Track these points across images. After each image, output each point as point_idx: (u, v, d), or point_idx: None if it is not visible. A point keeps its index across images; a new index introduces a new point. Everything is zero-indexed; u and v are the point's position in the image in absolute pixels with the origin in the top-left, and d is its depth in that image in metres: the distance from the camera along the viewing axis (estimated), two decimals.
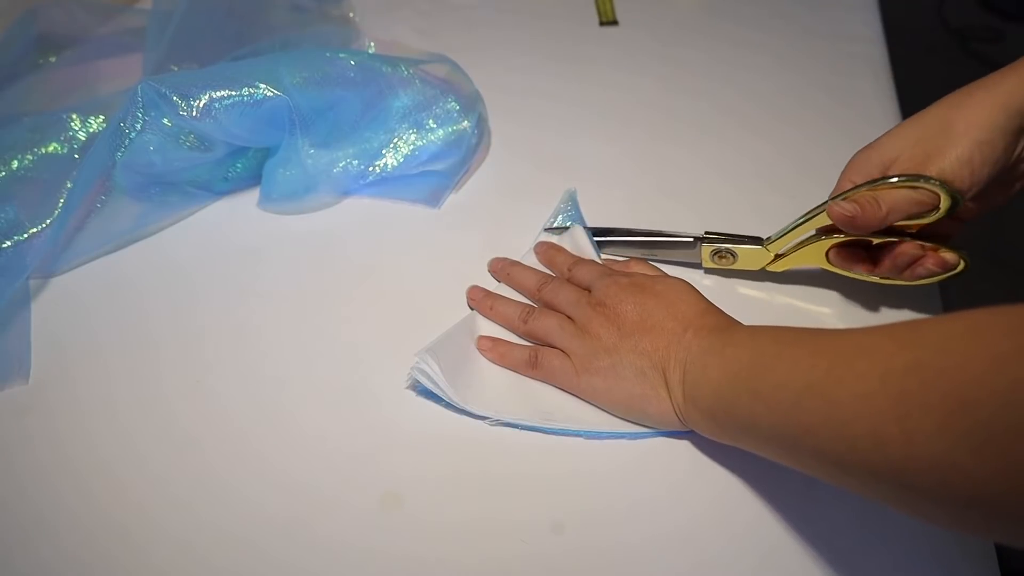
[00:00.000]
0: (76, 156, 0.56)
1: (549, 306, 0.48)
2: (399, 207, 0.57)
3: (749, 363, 0.37)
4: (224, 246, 0.55)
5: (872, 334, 0.32)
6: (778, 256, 0.50)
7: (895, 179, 0.43)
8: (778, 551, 0.39)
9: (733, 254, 0.51)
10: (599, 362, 0.43)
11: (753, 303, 0.51)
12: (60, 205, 0.53)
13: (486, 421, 0.44)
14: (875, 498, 0.31)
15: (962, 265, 0.45)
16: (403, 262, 0.54)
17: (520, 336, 0.48)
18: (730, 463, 0.42)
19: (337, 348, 0.48)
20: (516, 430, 0.44)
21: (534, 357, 0.45)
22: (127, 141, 0.52)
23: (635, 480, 0.42)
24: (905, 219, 0.44)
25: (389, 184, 0.58)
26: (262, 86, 0.52)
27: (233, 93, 0.52)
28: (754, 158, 0.61)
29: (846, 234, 0.47)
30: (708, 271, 0.52)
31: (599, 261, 0.52)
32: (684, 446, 0.43)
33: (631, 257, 0.53)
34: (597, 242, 0.53)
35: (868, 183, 0.44)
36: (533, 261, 0.53)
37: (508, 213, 0.57)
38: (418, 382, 0.44)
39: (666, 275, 0.47)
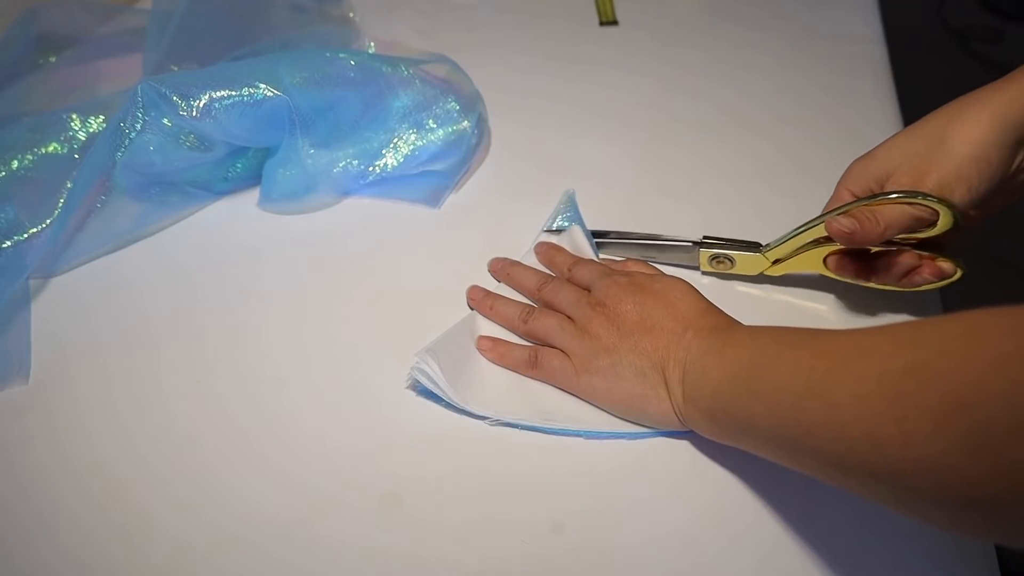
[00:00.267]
0: (76, 156, 0.56)
1: (549, 306, 0.48)
2: (399, 207, 0.57)
3: (749, 364, 0.37)
4: (224, 246, 0.55)
5: (872, 335, 0.32)
6: (776, 262, 0.50)
7: (894, 195, 0.43)
8: (778, 551, 0.39)
9: (731, 260, 0.51)
10: (599, 362, 0.43)
11: (751, 300, 0.51)
12: (60, 205, 0.53)
13: (486, 421, 0.44)
14: (874, 499, 0.31)
15: (958, 273, 0.45)
16: (403, 262, 0.54)
17: (520, 336, 0.48)
18: (730, 463, 0.42)
19: (337, 348, 0.48)
20: (516, 430, 0.44)
21: (534, 357, 0.46)
22: (127, 141, 0.52)
23: (635, 480, 0.42)
24: (903, 234, 0.44)
25: (389, 184, 0.58)
26: (262, 86, 0.52)
27: (233, 93, 0.52)
28: (754, 158, 0.61)
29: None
30: (706, 274, 0.52)
31: (598, 261, 0.52)
32: (684, 446, 0.43)
33: (629, 257, 0.53)
34: (595, 244, 0.53)
35: (867, 198, 0.44)
36: (533, 261, 0.53)
37: (508, 213, 0.57)
38: (418, 382, 0.44)
39: (665, 274, 0.47)
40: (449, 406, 0.44)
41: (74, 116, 0.57)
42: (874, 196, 0.44)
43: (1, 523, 0.40)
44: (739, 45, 0.72)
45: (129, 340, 0.49)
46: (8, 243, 0.52)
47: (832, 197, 0.47)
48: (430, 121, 0.58)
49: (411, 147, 0.57)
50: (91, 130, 0.57)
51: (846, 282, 0.48)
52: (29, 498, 0.41)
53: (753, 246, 0.50)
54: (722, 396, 0.38)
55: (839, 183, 0.47)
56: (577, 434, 0.43)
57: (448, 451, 0.43)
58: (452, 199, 0.58)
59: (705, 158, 0.61)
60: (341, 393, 0.46)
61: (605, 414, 0.44)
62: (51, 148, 0.56)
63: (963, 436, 0.25)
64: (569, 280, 0.49)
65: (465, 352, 0.47)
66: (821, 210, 0.47)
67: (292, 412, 0.45)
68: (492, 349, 0.47)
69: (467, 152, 0.59)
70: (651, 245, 0.53)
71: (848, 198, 0.46)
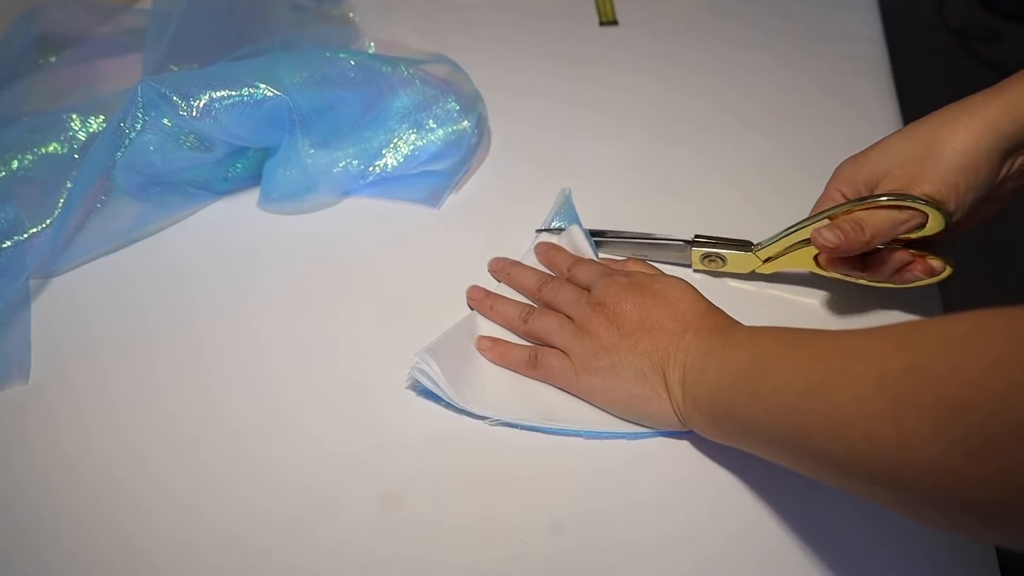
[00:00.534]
0: (76, 156, 0.56)
1: (549, 306, 0.48)
2: (399, 207, 0.57)
3: (748, 365, 0.37)
4: (224, 246, 0.55)
5: (871, 336, 0.32)
6: (767, 260, 0.50)
7: (884, 198, 0.44)
8: (778, 552, 0.39)
9: (722, 258, 0.51)
10: (599, 362, 0.43)
11: (744, 295, 0.51)
12: (60, 205, 0.53)
13: (486, 421, 0.44)
14: (874, 500, 0.31)
15: (948, 271, 0.46)
16: (403, 262, 0.54)
17: (520, 336, 0.48)
18: (730, 464, 0.42)
19: (337, 348, 0.48)
20: (516, 430, 0.44)
21: (534, 357, 0.46)
22: (127, 141, 0.52)
23: (635, 480, 0.42)
24: (890, 239, 0.45)
25: (389, 184, 0.58)
26: (262, 86, 0.52)
27: (233, 93, 0.52)
28: (754, 158, 0.61)
29: None
30: (698, 271, 0.53)
31: (598, 261, 0.52)
32: (684, 446, 0.43)
33: (628, 256, 0.53)
34: (594, 243, 0.53)
35: (856, 200, 0.45)
36: (533, 261, 0.53)
37: (508, 213, 0.57)
38: (418, 382, 0.44)
39: (665, 274, 0.47)
40: (449, 406, 0.44)
41: (74, 116, 0.57)
42: (863, 199, 0.44)
43: (1, 523, 0.40)
44: (739, 45, 0.72)
45: (129, 340, 0.49)
46: (8, 243, 0.52)
47: (822, 196, 0.48)
48: (430, 121, 0.58)
49: (411, 147, 0.57)
50: (91, 130, 0.57)
51: (837, 279, 0.49)
52: (29, 498, 0.41)
53: (744, 245, 0.50)
54: (722, 397, 0.38)
55: (829, 182, 0.47)
56: (577, 434, 0.43)
57: (448, 451, 0.43)
58: (452, 199, 0.58)
59: (705, 158, 0.61)
60: (341, 393, 0.46)
61: (605, 414, 0.44)
62: (51, 148, 0.56)
63: (961, 438, 0.25)
64: (569, 280, 0.49)
65: (465, 352, 0.47)
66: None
67: (292, 412, 0.45)
68: (492, 349, 0.47)
69: (467, 152, 0.59)
70: (644, 244, 0.53)
71: (838, 199, 0.46)
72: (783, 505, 0.40)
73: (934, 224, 0.43)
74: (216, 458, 0.43)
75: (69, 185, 0.54)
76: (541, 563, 0.39)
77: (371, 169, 0.57)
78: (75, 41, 0.67)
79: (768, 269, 0.50)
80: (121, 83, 0.61)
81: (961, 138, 0.42)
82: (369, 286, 0.52)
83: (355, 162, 0.57)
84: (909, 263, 0.46)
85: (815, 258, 0.48)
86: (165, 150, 0.53)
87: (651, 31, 0.74)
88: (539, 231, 0.55)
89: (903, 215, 0.43)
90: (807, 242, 0.48)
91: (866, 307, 0.50)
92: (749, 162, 0.60)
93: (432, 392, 0.44)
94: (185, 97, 0.51)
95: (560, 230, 0.54)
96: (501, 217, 0.57)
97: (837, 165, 0.47)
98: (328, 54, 0.57)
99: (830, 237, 0.44)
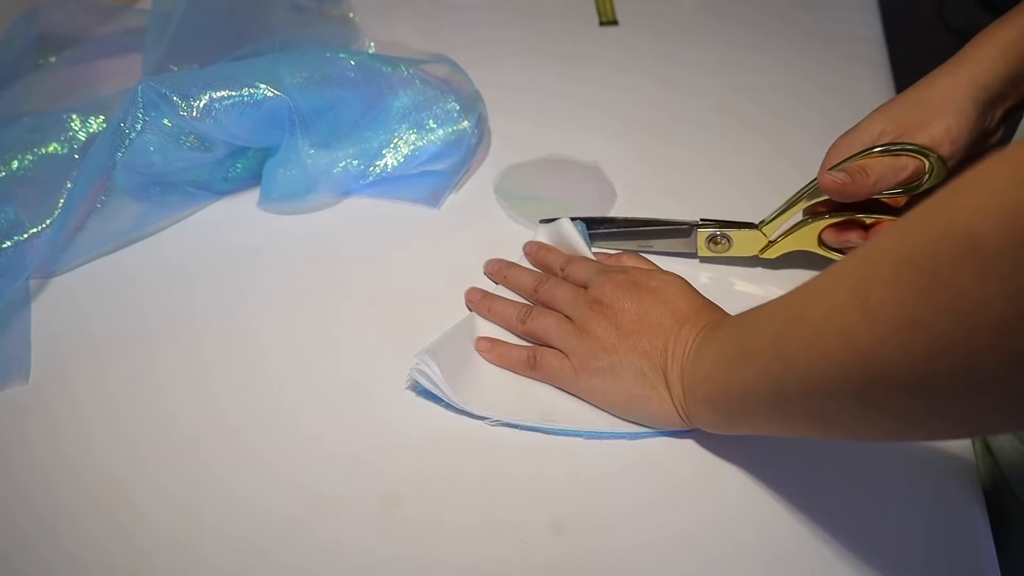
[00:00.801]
0: (76, 156, 0.56)
1: (547, 306, 0.48)
2: (399, 207, 0.57)
3: (737, 334, 0.38)
4: (224, 246, 0.55)
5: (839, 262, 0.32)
6: (771, 242, 0.51)
7: (879, 148, 0.46)
8: (780, 554, 0.39)
9: (728, 239, 0.51)
10: (598, 362, 0.43)
11: (751, 300, 0.51)
12: (60, 205, 0.53)
13: (486, 421, 0.44)
14: (853, 417, 0.31)
15: None
16: (403, 262, 0.54)
17: (519, 336, 0.48)
18: (731, 465, 0.42)
19: (337, 348, 0.48)
20: (516, 430, 0.44)
21: (533, 357, 0.45)
22: (127, 141, 0.52)
23: (635, 481, 0.42)
24: (894, 187, 0.46)
25: (389, 184, 0.58)
26: (262, 86, 0.52)
27: (233, 93, 0.52)
28: (754, 158, 0.61)
29: (835, 214, 0.48)
30: (704, 259, 0.53)
31: (589, 253, 0.51)
32: (684, 447, 0.43)
33: (623, 251, 0.53)
34: (593, 233, 0.53)
35: (854, 155, 0.47)
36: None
37: None
38: (418, 383, 0.44)
39: (661, 270, 0.47)
40: (449, 407, 0.44)
41: (74, 116, 0.57)
42: (860, 152, 0.47)
43: (1, 523, 0.40)
44: (739, 45, 0.72)
45: (129, 340, 0.49)
46: (8, 243, 0.52)
47: (819, 172, 0.49)
48: (430, 121, 0.58)
49: (411, 147, 0.57)
50: (91, 130, 0.57)
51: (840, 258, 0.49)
52: (29, 498, 0.41)
53: (749, 225, 0.51)
54: (716, 375, 0.38)
55: (825, 159, 0.49)
56: (577, 434, 0.43)
57: (448, 451, 0.43)
58: (452, 199, 0.58)
59: (705, 158, 0.61)
60: (341, 393, 0.46)
61: (605, 414, 0.44)
62: (51, 148, 0.56)
63: (920, 290, 0.25)
64: (564, 279, 0.49)
65: (465, 353, 0.47)
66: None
67: (292, 412, 0.45)
68: (491, 350, 0.47)
69: (467, 152, 0.59)
70: (649, 232, 0.53)
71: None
72: (785, 506, 0.40)
73: (935, 175, 0.46)
74: (216, 458, 0.43)
75: (69, 185, 0.54)
76: (541, 563, 0.39)
77: (371, 169, 0.57)
78: (75, 41, 0.66)
79: (774, 253, 0.51)
80: (121, 83, 0.61)
81: (948, 89, 0.46)
82: (369, 286, 0.52)
83: (355, 162, 0.57)
84: None
85: (819, 236, 0.49)
86: (165, 150, 0.53)
87: (651, 31, 0.74)
88: (543, 221, 0.55)
89: (901, 161, 0.46)
90: (812, 215, 0.49)
91: None
92: (749, 162, 0.60)
93: (432, 393, 0.44)
94: (185, 97, 0.51)
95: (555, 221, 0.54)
96: (501, 217, 0.57)
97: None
98: (328, 54, 0.57)
99: (838, 176, 0.46)
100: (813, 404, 0.33)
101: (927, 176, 0.46)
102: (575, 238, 0.52)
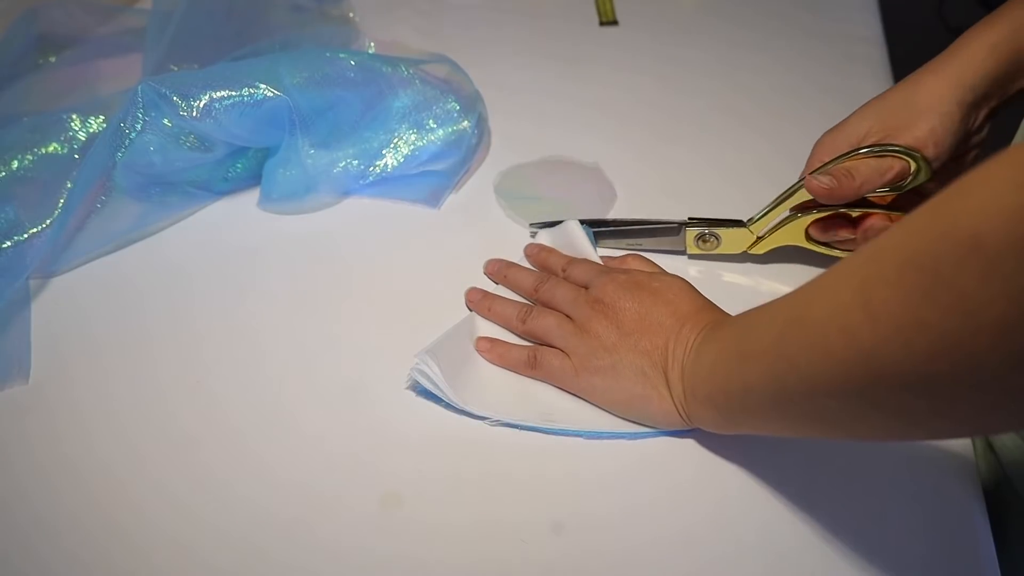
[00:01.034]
0: (76, 156, 0.56)
1: (547, 305, 0.48)
2: (399, 207, 0.57)
3: (738, 334, 0.38)
4: (224, 246, 0.55)
5: (841, 263, 0.32)
6: (759, 239, 0.51)
7: (865, 150, 0.47)
8: (780, 554, 0.39)
9: (717, 237, 0.52)
10: (598, 361, 0.43)
11: (738, 290, 0.52)
12: (60, 205, 0.53)
13: (486, 421, 0.44)
14: (855, 417, 0.31)
15: None
16: (403, 262, 0.53)
17: (519, 336, 0.48)
18: (732, 465, 0.42)
19: (337, 348, 0.48)
20: (516, 430, 0.44)
21: (533, 357, 0.45)
22: (127, 141, 0.52)
23: (635, 480, 0.42)
24: (880, 188, 0.47)
25: (389, 184, 0.58)
26: (262, 86, 0.52)
27: (233, 93, 0.52)
28: (754, 158, 0.61)
29: (821, 209, 0.49)
30: (692, 257, 0.53)
31: (595, 256, 0.51)
32: (685, 447, 0.43)
33: (627, 253, 0.53)
34: (593, 237, 0.53)
35: (840, 156, 0.47)
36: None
37: None
38: (418, 383, 0.44)
39: (664, 272, 0.47)
40: (449, 407, 0.44)
41: (74, 116, 0.57)
42: (847, 153, 0.47)
43: (1, 523, 0.40)
44: (739, 45, 0.72)
45: (129, 340, 0.49)
46: (8, 243, 0.52)
47: (805, 167, 0.49)
48: (430, 121, 0.58)
49: (411, 147, 0.57)
50: (91, 130, 0.57)
51: (828, 256, 0.50)
52: (29, 498, 0.41)
53: (737, 222, 0.51)
54: (716, 374, 0.38)
55: (811, 155, 0.49)
56: (577, 434, 0.43)
57: (448, 451, 0.43)
58: (452, 199, 0.58)
59: (705, 158, 0.61)
60: (341, 393, 0.46)
61: (606, 414, 0.44)
62: (51, 148, 0.56)
63: (923, 291, 0.25)
64: (565, 279, 0.49)
65: (465, 353, 0.47)
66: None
67: (292, 412, 0.45)
68: (491, 350, 0.47)
69: (467, 152, 0.59)
70: (638, 231, 0.53)
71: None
72: (786, 506, 0.40)
73: (921, 175, 0.46)
74: (216, 458, 0.43)
75: (69, 185, 0.54)
76: (541, 563, 0.39)
77: (371, 169, 0.57)
78: (75, 41, 0.66)
79: (762, 248, 0.51)
80: (121, 83, 0.61)
81: (934, 89, 0.46)
82: (369, 286, 0.52)
83: (355, 162, 0.57)
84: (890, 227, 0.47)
85: (806, 231, 0.50)
86: (165, 150, 0.53)
87: (651, 31, 0.74)
88: (533, 224, 0.55)
89: (886, 162, 0.46)
90: (799, 210, 0.49)
91: None
92: (749, 162, 0.60)
93: (432, 393, 0.44)
94: (185, 97, 0.51)
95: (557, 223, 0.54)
96: (501, 217, 0.57)
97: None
98: (328, 54, 0.57)
99: (824, 180, 0.46)
100: (815, 404, 0.33)
101: (912, 176, 0.46)
102: (582, 241, 0.52)
